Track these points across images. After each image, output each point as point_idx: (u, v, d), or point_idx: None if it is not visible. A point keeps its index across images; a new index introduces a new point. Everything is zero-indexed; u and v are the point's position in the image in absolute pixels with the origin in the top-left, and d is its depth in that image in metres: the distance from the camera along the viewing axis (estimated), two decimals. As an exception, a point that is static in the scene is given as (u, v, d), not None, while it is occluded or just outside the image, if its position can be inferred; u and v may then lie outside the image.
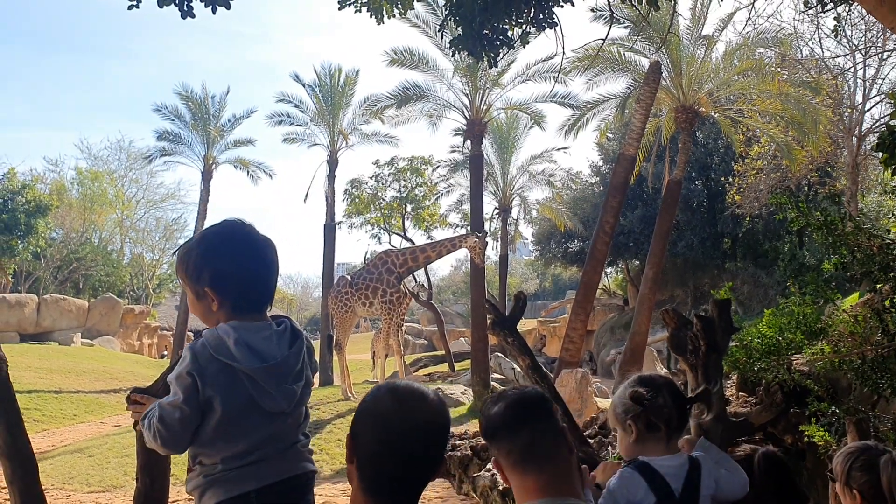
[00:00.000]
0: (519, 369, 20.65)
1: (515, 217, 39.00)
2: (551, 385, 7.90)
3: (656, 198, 34.64)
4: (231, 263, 2.72)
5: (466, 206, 35.38)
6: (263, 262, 2.77)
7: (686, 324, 5.97)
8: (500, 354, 27.90)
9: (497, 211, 37.07)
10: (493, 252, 36.82)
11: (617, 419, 3.14)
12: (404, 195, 37.62)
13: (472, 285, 23.83)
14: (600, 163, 41.08)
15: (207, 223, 14.06)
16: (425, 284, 33.74)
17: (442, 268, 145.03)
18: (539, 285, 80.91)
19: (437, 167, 37.77)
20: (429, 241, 33.99)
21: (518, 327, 7.49)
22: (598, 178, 40.88)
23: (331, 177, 32.74)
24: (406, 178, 37.72)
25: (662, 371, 20.72)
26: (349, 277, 23.97)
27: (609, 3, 12.21)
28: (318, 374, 27.82)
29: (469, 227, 26.60)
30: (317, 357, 26.81)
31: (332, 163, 32.91)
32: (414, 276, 32.49)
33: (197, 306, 2.79)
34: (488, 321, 7.55)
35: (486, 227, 35.93)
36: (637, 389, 3.10)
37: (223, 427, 2.61)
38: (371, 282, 23.17)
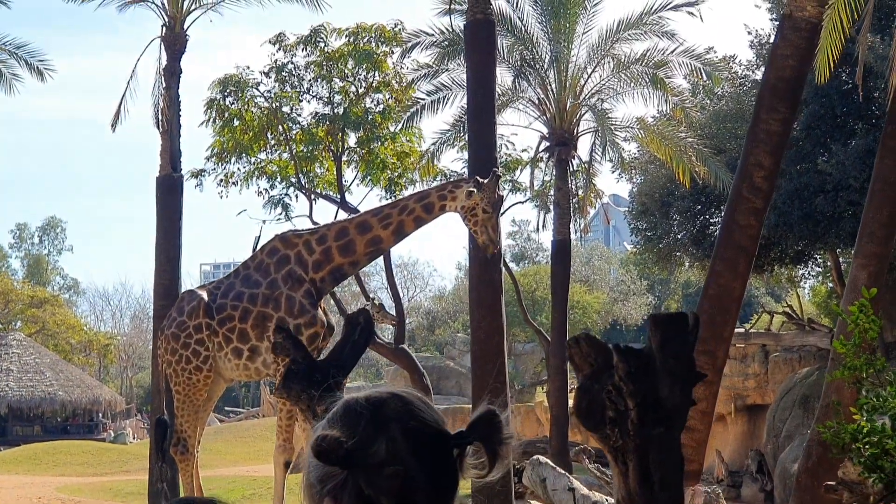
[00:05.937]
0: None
1: (587, 157, 21.22)
2: None
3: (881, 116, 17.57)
4: None
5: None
6: None
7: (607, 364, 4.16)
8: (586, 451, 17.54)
9: (546, 144, 20.31)
10: (537, 233, 22.10)
11: (310, 499, 1.62)
12: (341, 111, 20.39)
13: (474, 302, 13.07)
14: (772, 34, 21.35)
15: None
16: (385, 305, 17.21)
17: (443, 270, 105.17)
18: (652, 305, 44.38)
19: (413, 47, 20.20)
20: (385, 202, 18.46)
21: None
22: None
23: (171, 71, 16.48)
24: (345, 72, 20.41)
25: None
26: (202, 294, 11.28)
27: None
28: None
29: (467, 172, 14.06)
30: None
31: (174, 40, 16.43)
32: (360, 282, 18.30)
33: None
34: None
35: (527, 175, 20.95)
36: (328, 433, 1.57)
37: None
38: (252, 301, 10.84)
